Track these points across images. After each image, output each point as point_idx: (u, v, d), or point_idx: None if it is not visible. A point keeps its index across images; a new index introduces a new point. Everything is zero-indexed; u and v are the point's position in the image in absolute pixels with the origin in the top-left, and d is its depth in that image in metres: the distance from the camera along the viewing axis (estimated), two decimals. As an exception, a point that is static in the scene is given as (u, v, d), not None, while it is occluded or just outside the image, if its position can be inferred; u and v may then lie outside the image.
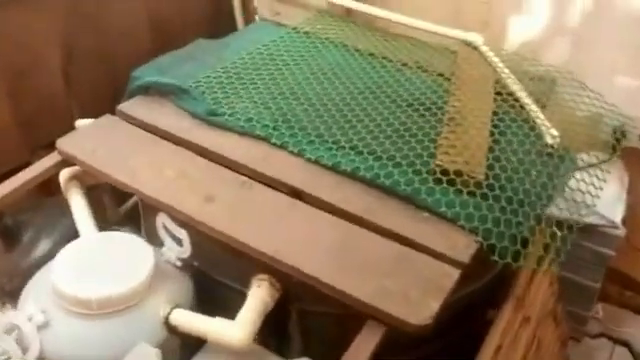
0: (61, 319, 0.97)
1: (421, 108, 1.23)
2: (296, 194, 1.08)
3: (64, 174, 1.23)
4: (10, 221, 1.33)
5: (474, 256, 0.97)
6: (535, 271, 1.14)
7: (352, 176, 1.09)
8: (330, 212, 1.04)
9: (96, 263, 1.02)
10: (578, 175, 1.17)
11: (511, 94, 1.28)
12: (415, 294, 0.89)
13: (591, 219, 1.39)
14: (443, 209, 1.01)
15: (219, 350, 0.98)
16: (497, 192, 1.04)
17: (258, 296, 1.00)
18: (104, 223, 1.25)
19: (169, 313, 1.00)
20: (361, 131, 1.17)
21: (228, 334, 0.95)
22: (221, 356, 0.99)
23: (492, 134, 1.16)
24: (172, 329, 1.00)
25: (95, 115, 1.29)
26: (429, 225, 1.01)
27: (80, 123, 1.31)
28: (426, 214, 1.03)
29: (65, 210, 1.20)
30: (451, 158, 1.08)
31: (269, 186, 1.10)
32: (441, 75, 1.34)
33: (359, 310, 0.90)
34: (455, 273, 0.93)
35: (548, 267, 1.13)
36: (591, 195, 1.14)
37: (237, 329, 0.95)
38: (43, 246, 1.32)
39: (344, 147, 1.14)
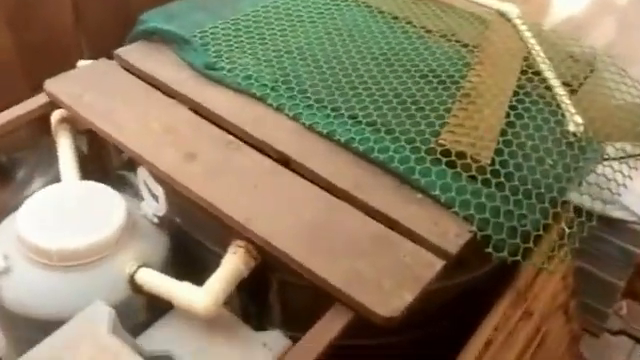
0: (23, 267, 0.94)
1: (435, 80, 1.12)
2: (284, 161, 1.01)
3: (55, 115, 1.19)
4: (4, 158, 1.30)
5: (465, 247, 0.87)
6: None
7: (346, 147, 1.00)
8: (316, 184, 0.97)
9: (65, 213, 0.97)
10: (605, 162, 1.05)
11: (538, 74, 1.16)
12: (389, 282, 0.81)
13: (620, 214, 1.28)
14: (437, 192, 0.92)
15: (186, 315, 0.93)
16: (501, 179, 0.94)
17: (232, 263, 0.94)
18: (108, 167, 1.22)
19: (135, 271, 0.95)
20: (365, 100, 1.08)
21: (194, 300, 0.89)
22: (187, 321, 0.93)
23: (508, 116, 1.05)
24: (137, 288, 0.95)
25: (106, 56, 1.24)
26: (421, 208, 0.92)
27: (81, 64, 1.25)
28: (420, 196, 0.94)
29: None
30: (456, 138, 0.98)
31: (257, 149, 1.03)
32: (465, 46, 1.23)
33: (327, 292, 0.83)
34: (438, 264, 0.85)
35: (560, 261, 1.03)
36: (617, 183, 1.03)
37: (203, 296, 0.89)
38: (36, 185, 1.30)
39: (343, 115, 1.05)
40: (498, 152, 0.98)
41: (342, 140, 1.00)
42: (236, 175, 0.97)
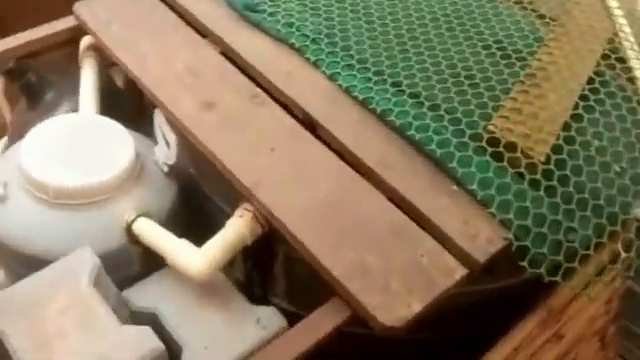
0: (19, 198, 0.88)
1: (498, 54, 0.97)
2: (310, 124, 0.90)
3: (83, 41, 1.12)
4: (34, 78, 1.24)
5: (495, 256, 0.76)
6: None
7: (381, 118, 0.88)
8: (341, 155, 0.86)
9: (70, 147, 0.91)
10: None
11: (623, 61, 0.99)
12: (398, 284, 0.71)
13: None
14: (474, 187, 0.79)
15: (179, 275, 0.86)
16: (553, 183, 0.80)
17: (236, 227, 0.85)
18: (143, 105, 1.14)
19: (133, 220, 0.88)
20: (413, 66, 0.94)
21: (187, 261, 0.82)
22: (180, 282, 0.86)
23: (576, 107, 0.90)
24: (133, 239, 0.89)
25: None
26: (452, 202, 0.80)
27: (118, -14, 1.17)
28: (455, 187, 0.81)
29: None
30: (508, 125, 0.84)
31: (283, 107, 0.92)
32: (541, 17, 1.06)
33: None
34: (459, 272, 0.73)
35: (605, 286, 0.90)
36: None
37: (198, 258, 0.82)
38: (62, 110, 1.23)
39: (385, 81, 0.92)
40: (556, 149, 0.84)
41: (378, 110, 0.88)
42: (254, 133, 0.87)
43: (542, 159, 0.82)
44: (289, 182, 0.81)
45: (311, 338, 0.69)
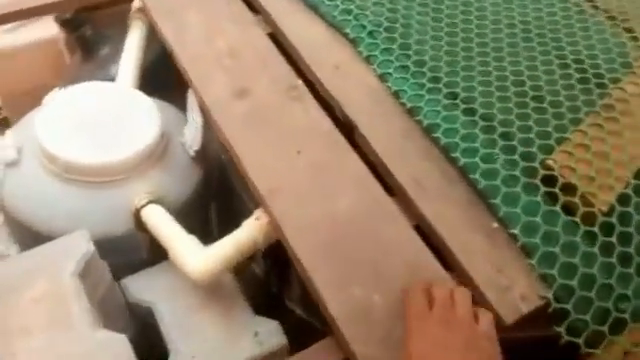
0: (31, 166, 0.84)
1: (576, 76, 0.85)
2: (348, 127, 0.81)
3: (135, 3, 1.06)
4: (90, 31, 1.21)
5: (526, 317, 0.65)
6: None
7: (427, 132, 0.78)
8: (372, 168, 0.77)
9: (90, 120, 0.86)
10: None
11: None
12: (401, 335, 0.62)
13: None
14: (516, 231, 0.69)
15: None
16: (612, 239, 0.69)
17: (249, 230, 0.78)
18: None
19: (143, 206, 0.83)
20: (474, 78, 0.84)
21: (188, 261, 0.76)
22: (183, 277, 0.80)
23: (657, 151, 0.77)
24: (140, 225, 0.83)
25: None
26: (489, 243, 0.70)
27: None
28: (495, 225, 0.71)
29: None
30: (570, 163, 0.73)
31: (322, 103, 0.84)
32: (635, 39, 0.92)
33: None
34: (480, 330, 0.63)
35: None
36: None
37: (200, 260, 0.75)
38: (116, 67, 1.20)
39: (439, 90, 0.82)
40: (622, 199, 0.72)
41: (424, 123, 0.78)
42: (282, 131, 0.79)
43: (604, 209, 0.70)
44: (307, 193, 0.73)
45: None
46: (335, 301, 0.63)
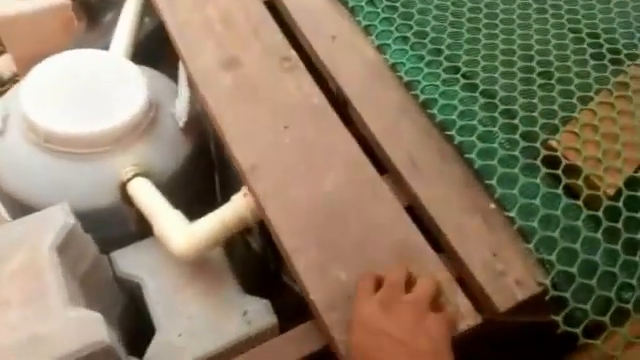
0: (15, 135, 0.82)
1: (590, 50, 0.79)
2: (341, 102, 0.77)
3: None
4: (93, -2, 1.18)
5: (522, 304, 0.61)
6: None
7: (424, 108, 0.74)
8: (364, 145, 0.73)
9: (78, 88, 0.83)
10: None
11: None
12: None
13: None
14: (512, 213, 0.64)
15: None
16: (618, 225, 0.64)
17: (236, 206, 0.75)
18: None
19: (130, 179, 0.80)
20: (479, 51, 0.78)
21: (172, 237, 0.73)
22: (168, 254, 0.78)
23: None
24: (127, 199, 0.81)
25: None
26: (484, 224, 0.65)
27: None
28: (493, 206, 0.67)
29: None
30: (575, 144, 0.68)
31: (316, 76, 0.79)
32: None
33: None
34: (470, 320, 0.59)
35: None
36: None
37: (184, 236, 0.73)
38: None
39: (440, 64, 0.77)
40: (630, 183, 0.66)
41: (421, 98, 0.74)
42: (271, 105, 0.75)
43: (611, 192, 0.65)
44: (293, 170, 0.69)
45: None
46: (316, 286, 0.60)
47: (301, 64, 0.80)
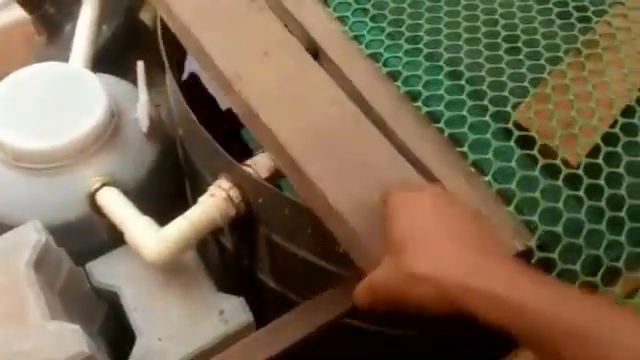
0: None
1: (556, 10, 0.76)
2: (313, 52, 0.74)
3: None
4: (53, 10, 1.16)
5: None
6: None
7: (391, 77, 0.71)
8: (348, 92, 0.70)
9: (38, 102, 0.82)
10: None
11: None
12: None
13: None
14: (488, 177, 0.62)
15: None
16: (600, 182, 0.62)
17: (205, 208, 0.74)
18: None
19: (97, 189, 0.78)
20: (441, 19, 0.75)
21: (143, 242, 0.72)
22: (142, 261, 0.76)
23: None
24: (97, 209, 0.79)
25: None
26: (466, 183, 0.62)
27: None
28: (472, 170, 0.64)
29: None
30: (547, 105, 0.65)
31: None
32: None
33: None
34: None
35: None
36: None
37: (154, 241, 0.71)
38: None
39: (401, 34, 0.73)
40: (609, 139, 0.64)
41: (385, 70, 0.71)
42: (246, 34, 0.73)
43: (574, 163, 0.63)
44: (279, 90, 0.67)
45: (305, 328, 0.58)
46: (339, 197, 0.58)
47: (266, 7, 0.76)
